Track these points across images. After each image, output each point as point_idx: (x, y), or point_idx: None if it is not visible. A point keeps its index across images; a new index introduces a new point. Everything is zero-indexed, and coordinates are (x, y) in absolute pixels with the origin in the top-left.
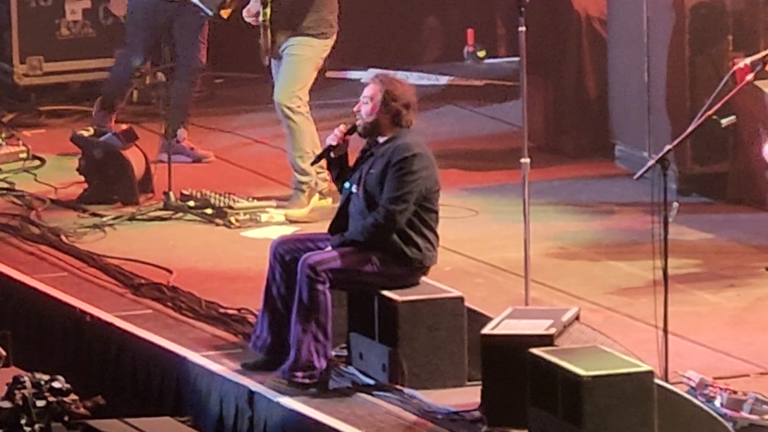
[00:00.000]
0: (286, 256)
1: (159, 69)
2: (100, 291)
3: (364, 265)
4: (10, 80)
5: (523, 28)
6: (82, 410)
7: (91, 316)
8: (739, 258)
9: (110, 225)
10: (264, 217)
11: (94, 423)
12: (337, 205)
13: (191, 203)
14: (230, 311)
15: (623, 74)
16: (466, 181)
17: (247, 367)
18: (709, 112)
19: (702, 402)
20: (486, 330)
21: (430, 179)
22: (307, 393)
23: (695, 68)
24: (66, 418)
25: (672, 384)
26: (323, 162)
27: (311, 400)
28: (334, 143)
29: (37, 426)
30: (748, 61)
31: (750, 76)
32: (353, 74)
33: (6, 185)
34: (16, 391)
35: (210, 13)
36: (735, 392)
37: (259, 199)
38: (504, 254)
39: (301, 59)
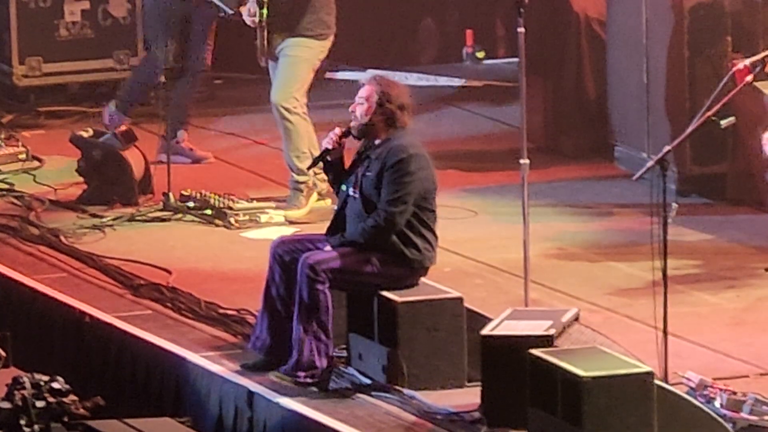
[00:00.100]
0: (286, 256)
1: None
2: (99, 292)
3: (364, 265)
4: (9, 81)
5: (522, 29)
6: (81, 411)
7: (91, 316)
8: (738, 259)
9: (109, 226)
10: (263, 218)
11: (93, 424)
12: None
13: (191, 204)
14: (230, 312)
15: (622, 75)
16: (465, 182)
17: (246, 368)
18: (709, 113)
19: (702, 403)
20: (485, 331)
21: (428, 179)
22: (307, 393)
23: (694, 69)
24: (65, 419)
25: (672, 385)
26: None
27: (311, 401)
28: (330, 146)
29: (36, 426)
30: (747, 62)
31: (749, 77)
32: (352, 75)
33: (5, 186)
34: (16, 392)
35: (230, 11)
36: (734, 393)
37: (259, 200)
38: (503, 255)
39: (298, 60)
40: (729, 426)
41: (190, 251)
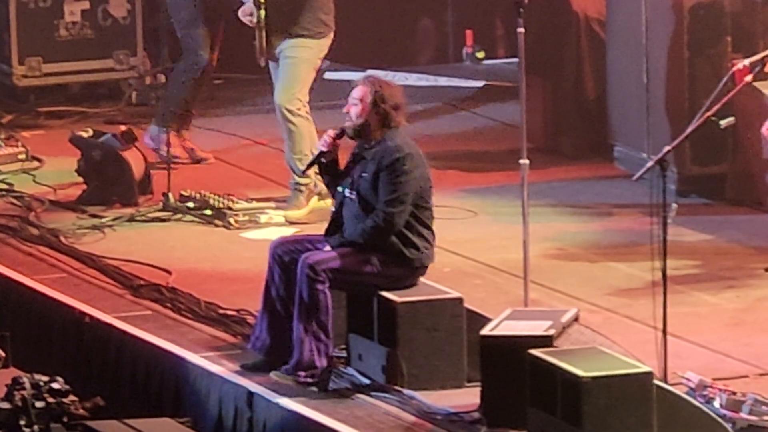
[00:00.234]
0: (285, 257)
1: (159, 70)
2: (99, 292)
3: (364, 265)
4: (9, 81)
5: (521, 29)
6: (81, 411)
7: (90, 317)
8: (738, 259)
9: (109, 226)
10: (263, 219)
11: (93, 424)
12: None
13: (190, 204)
14: (229, 312)
15: (622, 75)
16: (465, 182)
17: (246, 368)
18: (708, 113)
19: (701, 403)
20: (485, 331)
21: (423, 177)
22: (307, 394)
23: (694, 69)
24: (65, 419)
25: (671, 385)
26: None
27: (310, 401)
28: (324, 149)
29: (36, 427)
30: (746, 62)
31: (749, 77)
32: (352, 75)
33: (5, 186)
34: (16, 392)
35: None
36: (734, 393)
37: (258, 200)
38: (503, 255)
39: (299, 61)
40: (728, 426)
41: (190, 251)
